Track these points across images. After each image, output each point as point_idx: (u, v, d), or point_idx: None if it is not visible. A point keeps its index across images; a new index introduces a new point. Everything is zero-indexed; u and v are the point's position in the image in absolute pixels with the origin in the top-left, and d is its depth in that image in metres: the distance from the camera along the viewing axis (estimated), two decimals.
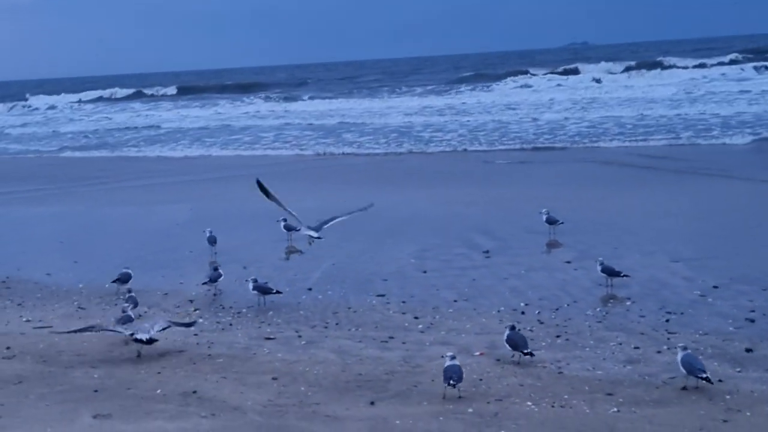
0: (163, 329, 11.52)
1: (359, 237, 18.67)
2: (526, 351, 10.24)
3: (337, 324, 12.66)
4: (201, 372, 10.58)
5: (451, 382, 9.19)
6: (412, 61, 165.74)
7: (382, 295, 14.05)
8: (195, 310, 13.76)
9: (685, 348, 9.39)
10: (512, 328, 10.57)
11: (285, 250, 17.95)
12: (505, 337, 10.47)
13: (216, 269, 15.03)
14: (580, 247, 16.48)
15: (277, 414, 9.09)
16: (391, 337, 11.79)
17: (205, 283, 14.79)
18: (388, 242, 18.09)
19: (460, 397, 9.19)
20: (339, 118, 51.04)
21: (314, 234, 15.15)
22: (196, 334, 12.23)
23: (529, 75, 75.77)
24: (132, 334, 11.28)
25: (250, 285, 13.82)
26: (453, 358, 9.55)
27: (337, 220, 15.42)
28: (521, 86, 67.89)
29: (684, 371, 9.11)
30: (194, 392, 9.81)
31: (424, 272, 15.46)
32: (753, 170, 23.87)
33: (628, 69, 74.19)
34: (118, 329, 11.59)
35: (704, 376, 8.96)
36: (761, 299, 12.31)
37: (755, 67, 65.33)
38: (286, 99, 72.83)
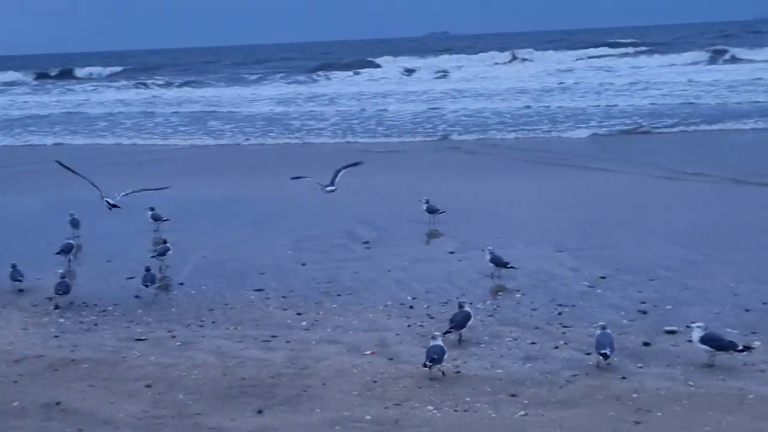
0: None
1: (231, 227, 17.77)
2: None
3: (213, 322, 11.74)
4: (64, 380, 9.52)
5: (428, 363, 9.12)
6: (271, 49, 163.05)
7: (261, 290, 13.21)
8: (55, 308, 12.48)
9: (604, 327, 9.55)
10: None
11: (152, 241, 16.73)
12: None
13: (165, 242, 14.90)
14: (463, 237, 16.08)
15: (154, 427, 8.19)
16: (274, 336, 11.00)
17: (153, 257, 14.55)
18: (263, 233, 17.25)
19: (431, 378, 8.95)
20: (205, 106, 49.26)
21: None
22: (56, 336, 11.04)
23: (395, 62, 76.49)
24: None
25: None
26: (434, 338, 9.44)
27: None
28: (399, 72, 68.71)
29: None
30: (57, 404, 8.79)
31: (303, 265, 14.70)
32: (619, 161, 24.13)
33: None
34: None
35: (603, 351, 9.15)
36: (649, 290, 12.19)
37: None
38: (143, 85, 69.53)
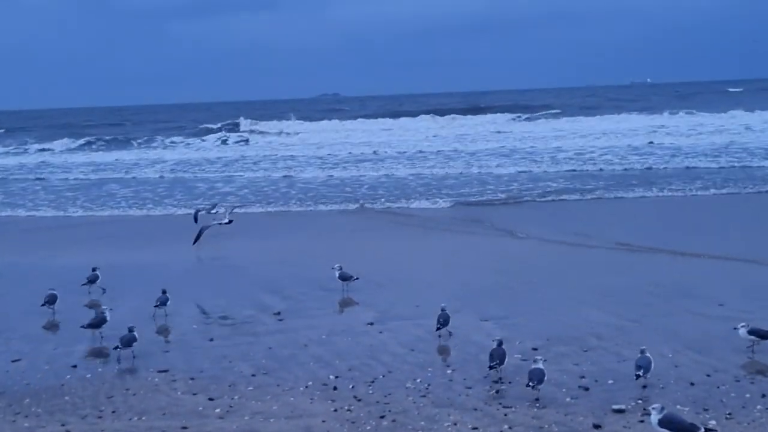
0: None
1: (128, 296, 16.40)
2: None
3: (113, 412, 10.41)
4: None
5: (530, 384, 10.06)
6: (174, 108, 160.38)
7: (165, 371, 11.94)
8: None
9: (643, 351, 10.51)
10: None
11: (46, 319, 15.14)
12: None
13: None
14: (380, 306, 15.19)
15: None
16: (185, 428, 9.77)
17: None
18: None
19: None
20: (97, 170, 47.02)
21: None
22: None
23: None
24: None
25: None
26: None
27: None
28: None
29: None
30: None
31: (211, 340, 13.51)
32: (528, 227, 23.74)
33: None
34: None
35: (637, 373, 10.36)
36: (586, 362, 11.51)
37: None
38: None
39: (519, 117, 71.96)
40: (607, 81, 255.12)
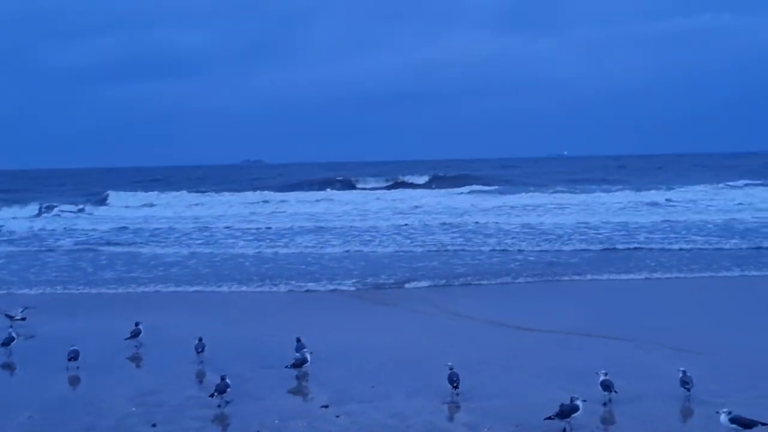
0: None
1: (60, 376, 15.20)
2: None
3: None
4: None
5: None
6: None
7: None
8: None
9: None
10: None
11: None
12: None
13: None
14: (334, 386, 14.34)
15: None
16: None
17: None
18: (98, 383, 14.77)
19: None
20: None
21: None
22: None
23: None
24: None
25: None
26: None
27: None
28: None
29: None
30: None
31: (154, 425, 12.45)
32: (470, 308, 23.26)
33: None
34: None
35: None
36: None
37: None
38: None
39: (436, 188, 72.70)
40: (525, 153, 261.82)
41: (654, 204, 54.57)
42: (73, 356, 15.54)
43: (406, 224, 43.98)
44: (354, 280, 25.98)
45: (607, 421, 12.34)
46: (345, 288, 24.96)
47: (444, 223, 43.85)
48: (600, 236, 36.56)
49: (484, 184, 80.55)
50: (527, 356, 16.37)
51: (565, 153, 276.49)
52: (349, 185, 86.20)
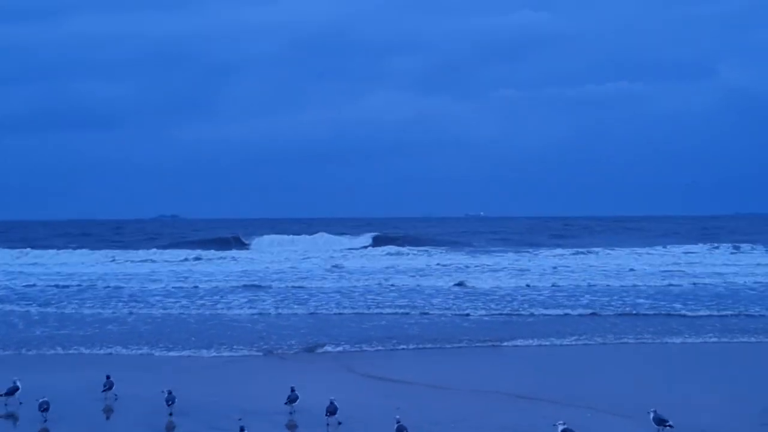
0: None
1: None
2: None
3: None
4: None
5: None
6: None
7: None
8: None
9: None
10: None
11: None
12: None
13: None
14: None
15: None
16: None
17: None
18: None
19: None
20: None
21: None
22: None
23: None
24: None
25: None
26: None
27: None
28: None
29: None
30: None
31: None
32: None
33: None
34: None
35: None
36: None
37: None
38: None
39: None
40: (444, 212, 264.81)
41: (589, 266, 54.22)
42: (45, 408, 15.63)
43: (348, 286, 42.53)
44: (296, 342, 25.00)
45: None
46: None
47: (393, 285, 42.53)
48: (541, 297, 36.42)
49: (411, 244, 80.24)
50: (478, 418, 15.96)
51: (482, 213, 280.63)
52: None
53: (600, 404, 16.98)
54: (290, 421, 15.67)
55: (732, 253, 66.61)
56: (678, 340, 25.27)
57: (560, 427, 13.50)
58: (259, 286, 41.90)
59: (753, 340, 25.37)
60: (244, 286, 42.17)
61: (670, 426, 14.53)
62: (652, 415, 14.73)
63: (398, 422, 14.01)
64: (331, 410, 15.18)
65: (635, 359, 22.90)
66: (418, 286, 42.18)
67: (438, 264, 56.53)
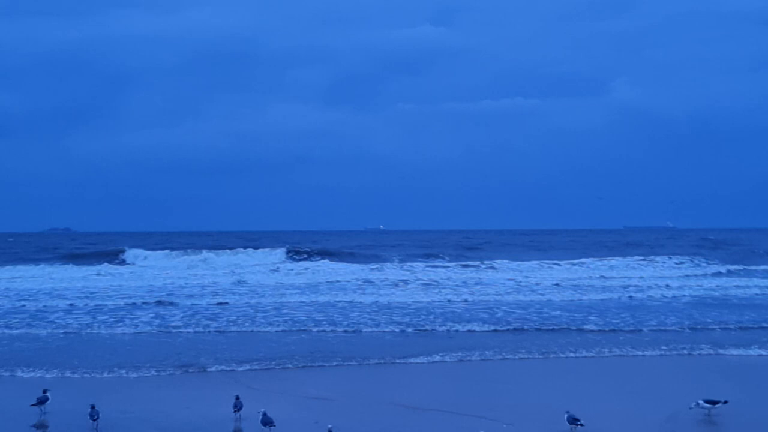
0: None
1: None
2: None
3: None
4: None
5: None
6: None
7: None
8: None
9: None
10: None
11: None
12: None
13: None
14: None
15: None
16: None
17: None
18: None
19: None
20: None
21: None
22: None
23: None
24: None
25: None
26: None
27: None
28: None
29: None
30: None
31: None
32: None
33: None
34: None
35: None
36: None
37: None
38: None
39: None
40: (343, 226, 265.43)
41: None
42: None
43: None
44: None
45: None
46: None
47: (313, 302, 41.63)
48: (457, 311, 37.46)
49: (329, 257, 78.80)
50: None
51: (381, 227, 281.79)
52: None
53: (507, 416, 17.82)
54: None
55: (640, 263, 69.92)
56: (589, 353, 26.31)
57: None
58: (161, 302, 41.18)
59: (658, 352, 26.53)
60: (145, 302, 41.13)
61: (581, 425, 16.28)
62: (566, 416, 16.54)
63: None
64: (267, 421, 15.83)
65: (548, 371, 23.84)
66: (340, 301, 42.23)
67: (356, 278, 56.30)
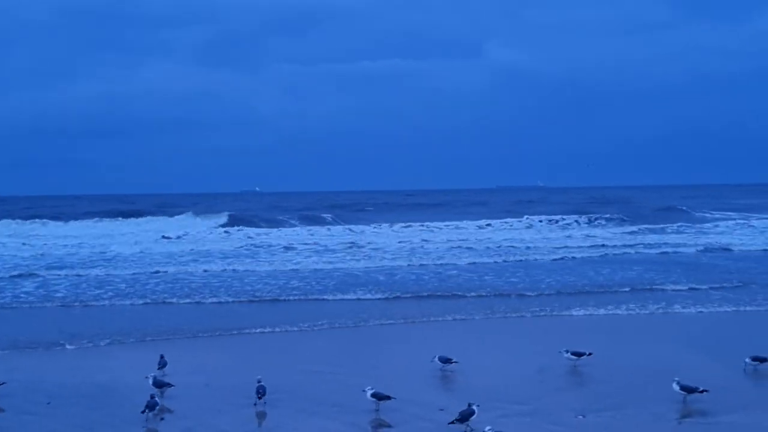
0: None
1: None
2: None
3: None
4: None
5: None
6: None
7: None
8: None
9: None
10: None
11: None
12: None
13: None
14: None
15: None
16: None
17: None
18: None
19: None
20: None
21: None
22: None
23: None
24: None
25: None
26: None
27: None
28: None
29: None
30: None
31: None
32: None
33: None
34: None
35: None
36: None
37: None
38: None
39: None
40: (222, 188, 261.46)
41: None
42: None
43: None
44: None
45: None
46: None
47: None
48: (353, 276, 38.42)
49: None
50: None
51: (257, 189, 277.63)
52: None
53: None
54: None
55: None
56: (460, 316, 27.86)
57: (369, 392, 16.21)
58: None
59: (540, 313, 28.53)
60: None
61: (455, 362, 19.17)
62: (436, 357, 19.38)
63: (259, 381, 16.67)
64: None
65: (431, 334, 25.12)
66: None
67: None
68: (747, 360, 19.18)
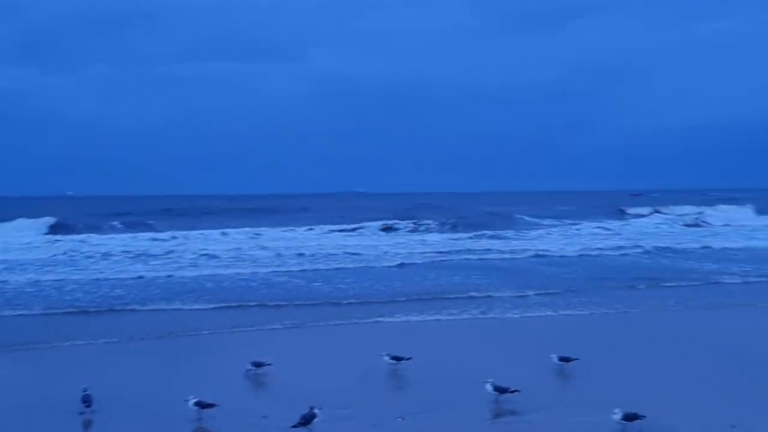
0: None
1: None
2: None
3: None
4: None
5: None
6: None
7: None
8: None
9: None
10: None
11: None
12: None
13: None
14: None
15: None
16: None
17: None
18: None
19: None
20: None
21: None
22: None
23: None
24: None
25: None
26: None
27: None
28: None
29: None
30: None
31: None
32: None
33: None
34: None
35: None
36: None
37: None
38: None
39: None
40: (33, 192, 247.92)
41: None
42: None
43: None
44: None
45: None
46: None
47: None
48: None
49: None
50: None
51: (70, 193, 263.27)
52: None
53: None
54: None
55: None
56: (280, 325, 27.94)
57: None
58: None
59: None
60: None
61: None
62: (249, 364, 19.72)
63: (85, 390, 16.50)
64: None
65: (248, 342, 25.33)
66: None
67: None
68: (554, 359, 20.38)
